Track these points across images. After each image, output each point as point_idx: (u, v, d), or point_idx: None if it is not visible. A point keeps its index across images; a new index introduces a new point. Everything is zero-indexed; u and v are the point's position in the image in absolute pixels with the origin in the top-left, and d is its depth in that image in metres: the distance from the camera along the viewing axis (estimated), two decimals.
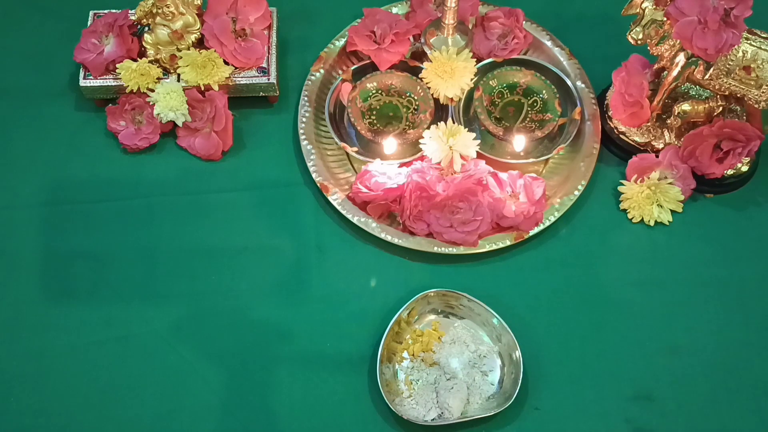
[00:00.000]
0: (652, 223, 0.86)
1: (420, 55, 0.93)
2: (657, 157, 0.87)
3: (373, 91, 0.89)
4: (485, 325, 0.79)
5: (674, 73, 0.82)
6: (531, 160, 0.87)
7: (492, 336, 0.79)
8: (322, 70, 0.93)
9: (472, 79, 0.88)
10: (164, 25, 0.88)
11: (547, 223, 0.84)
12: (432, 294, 0.79)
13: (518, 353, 0.76)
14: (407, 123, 0.88)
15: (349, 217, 0.84)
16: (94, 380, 0.77)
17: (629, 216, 0.86)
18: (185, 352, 0.79)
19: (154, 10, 0.87)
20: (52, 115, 0.92)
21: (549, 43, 0.95)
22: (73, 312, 0.80)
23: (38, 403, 0.76)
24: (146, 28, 0.90)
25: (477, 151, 0.83)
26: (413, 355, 0.78)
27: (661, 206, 0.86)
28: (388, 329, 0.77)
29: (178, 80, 0.89)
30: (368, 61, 0.91)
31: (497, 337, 0.78)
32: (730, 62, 0.79)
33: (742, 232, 0.86)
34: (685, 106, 0.85)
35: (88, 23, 0.93)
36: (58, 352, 0.78)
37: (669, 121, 0.88)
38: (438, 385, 0.76)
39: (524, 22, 0.94)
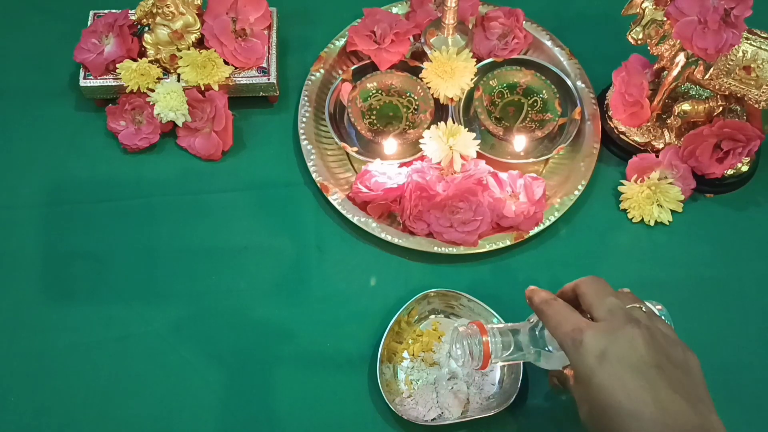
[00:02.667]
0: (652, 223, 0.86)
1: (420, 55, 0.93)
2: (657, 157, 0.87)
3: (373, 91, 0.89)
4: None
5: (674, 73, 0.82)
6: (531, 160, 0.87)
7: None
8: (322, 70, 0.93)
9: (472, 79, 0.88)
10: (164, 25, 0.88)
11: (547, 223, 0.84)
12: (432, 294, 0.79)
13: None
14: (407, 123, 0.88)
15: (349, 217, 0.84)
16: (94, 380, 0.77)
17: (629, 216, 0.86)
18: (185, 352, 0.79)
19: (154, 10, 0.87)
20: (52, 115, 0.92)
21: (549, 43, 0.95)
22: (73, 312, 0.80)
23: (38, 403, 0.76)
24: (146, 28, 0.90)
25: (477, 151, 0.83)
26: (413, 355, 0.78)
27: (661, 206, 0.86)
28: (388, 329, 0.77)
29: (178, 80, 0.89)
30: (368, 61, 0.91)
31: None
32: (730, 62, 0.78)
33: (742, 232, 0.86)
34: (685, 106, 0.85)
35: (88, 23, 0.93)
36: (58, 352, 0.78)
37: (669, 121, 0.88)
38: (438, 385, 0.76)
39: (524, 22, 0.94)
